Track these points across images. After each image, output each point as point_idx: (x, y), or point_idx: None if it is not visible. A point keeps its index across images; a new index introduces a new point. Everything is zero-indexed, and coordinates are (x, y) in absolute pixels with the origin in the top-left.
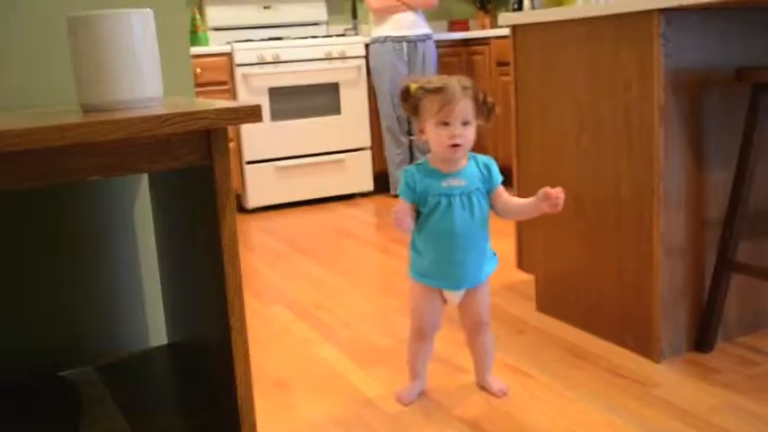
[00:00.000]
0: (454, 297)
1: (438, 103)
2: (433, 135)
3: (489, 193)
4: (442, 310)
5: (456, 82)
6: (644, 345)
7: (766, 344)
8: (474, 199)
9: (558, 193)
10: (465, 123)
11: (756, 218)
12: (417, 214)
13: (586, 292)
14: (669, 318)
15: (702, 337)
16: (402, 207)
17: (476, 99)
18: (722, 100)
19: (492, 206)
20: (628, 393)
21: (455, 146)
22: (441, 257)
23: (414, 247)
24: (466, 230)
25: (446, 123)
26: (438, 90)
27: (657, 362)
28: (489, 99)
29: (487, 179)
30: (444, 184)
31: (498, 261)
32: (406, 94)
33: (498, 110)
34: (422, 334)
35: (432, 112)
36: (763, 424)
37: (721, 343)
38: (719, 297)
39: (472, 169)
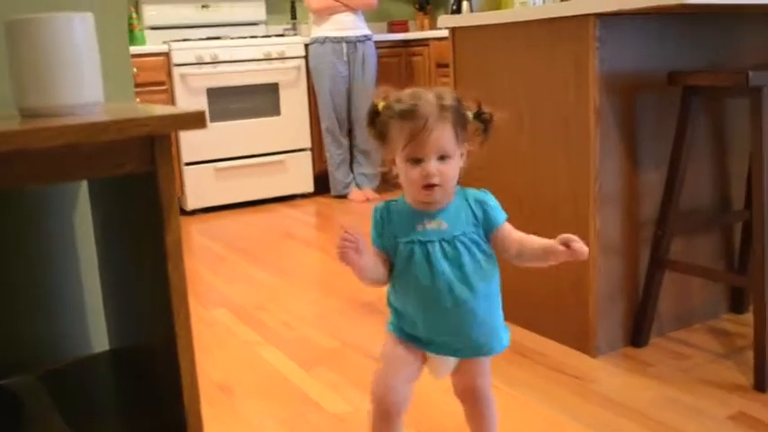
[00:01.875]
0: (440, 366)
1: (407, 131)
2: (402, 172)
3: (489, 235)
4: (415, 380)
5: (433, 99)
6: (582, 341)
7: (698, 338)
8: (460, 247)
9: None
10: (443, 158)
11: (688, 216)
12: (391, 264)
13: (526, 291)
14: (605, 314)
15: (637, 333)
16: (351, 235)
17: (460, 121)
18: (655, 103)
19: (500, 251)
20: (567, 389)
21: (429, 186)
22: (429, 321)
23: (390, 305)
24: (455, 288)
25: (417, 159)
26: (407, 114)
27: (595, 357)
28: (485, 110)
29: (482, 220)
30: (419, 227)
31: (510, 334)
32: (373, 116)
33: (500, 116)
34: (386, 415)
35: (400, 143)
36: (695, 415)
37: (655, 338)
38: (653, 293)
39: (458, 208)
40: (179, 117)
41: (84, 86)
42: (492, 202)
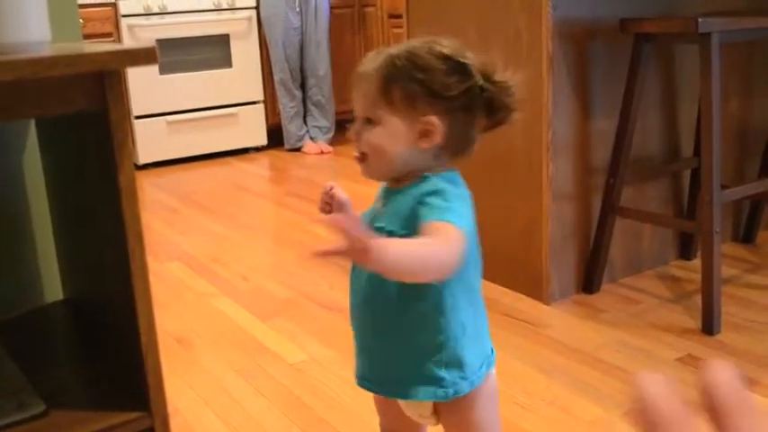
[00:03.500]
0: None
1: None
2: None
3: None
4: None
5: (393, 52)
6: (534, 288)
7: (647, 284)
8: None
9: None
10: (368, 121)
11: (639, 164)
12: None
13: (479, 239)
14: (558, 261)
15: (589, 279)
16: (327, 194)
17: (404, 82)
18: (608, 50)
19: None
20: (520, 334)
21: (357, 158)
22: (356, 336)
23: None
24: (376, 298)
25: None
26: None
27: (547, 304)
28: (489, 82)
29: (414, 221)
30: (376, 202)
31: (474, 382)
32: None
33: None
34: None
35: None
36: (645, 358)
37: (607, 284)
38: (605, 240)
39: (406, 198)
40: (130, 52)
41: (29, 24)
42: (437, 199)
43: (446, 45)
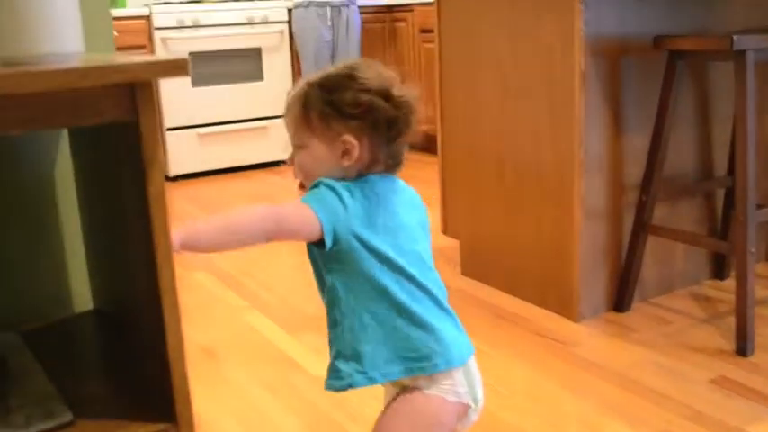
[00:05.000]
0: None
1: None
2: None
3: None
4: None
5: (296, 85)
6: (564, 305)
7: (680, 303)
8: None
9: None
10: (298, 147)
11: (672, 182)
12: None
13: (509, 256)
14: (588, 279)
15: (620, 298)
16: None
17: (311, 105)
18: (640, 67)
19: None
20: (549, 352)
21: (298, 185)
22: None
23: None
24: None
25: None
26: None
27: (577, 321)
28: (350, 103)
29: None
30: None
31: (349, 382)
32: None
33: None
34: None
35: None
36: (677, 379)
37: (638, 303)
38: (636, 259)
39: None
40: (162, 63)
41: (63, 36)
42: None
43: (355, 67)
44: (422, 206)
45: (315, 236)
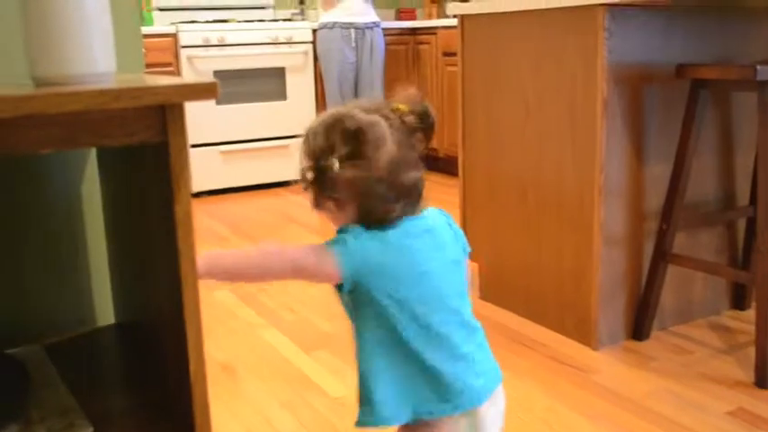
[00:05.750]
0: None
1: None
2: None
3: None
4: None
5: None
6: (583, 332)
7: (699, 333)
8: None
9: None
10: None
11: (692, 211)
12: None
13: (528, 281)
14: (607, 306)
15: (639, 326)
16: None
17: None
18: (662, 95)
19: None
20: (567, 379)
21: None
22: None
23: None
24: None
25: None
26: None
27: (596, 349)
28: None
29: None
30: None
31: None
32: None
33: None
34: None
35: None
36: (695, 409)
37: (657, 331)
38: (656, 287)
39: None
40: (191, 87)
41: (97, 56)
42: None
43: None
44: (453, 239)
45: (332, 281)
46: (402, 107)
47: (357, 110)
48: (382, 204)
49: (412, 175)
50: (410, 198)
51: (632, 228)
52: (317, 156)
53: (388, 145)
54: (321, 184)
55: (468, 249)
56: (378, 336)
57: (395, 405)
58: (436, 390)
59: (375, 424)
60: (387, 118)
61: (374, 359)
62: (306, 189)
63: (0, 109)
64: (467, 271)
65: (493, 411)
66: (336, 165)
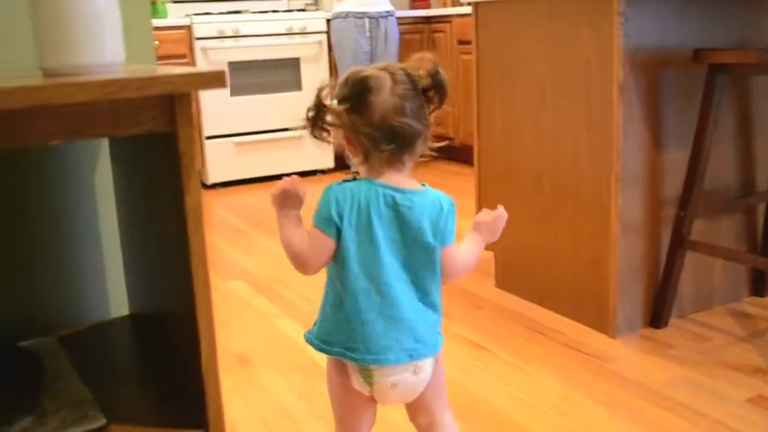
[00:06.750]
0: None
1: None
2: None
3: None
4: None
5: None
6: (600, 320)
7: (718, 320)
8: None
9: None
10: None
11: (711, 197)
12: None
13: (544, 269)
14: (625, 294)
15: (657, 314)
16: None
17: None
18: (679, 80)
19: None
20: (584, 367)
21: None
22: None
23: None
24: None
25: None
26: None
27: (613, 337)
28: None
29: None
30: None
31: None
32: None
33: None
34: None
35: None
36: (713, 397)
37: (675, 319)
38: (674, 274)
39: None
40: (200, 75)
41: (105, 47)
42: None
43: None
44: (427, 225)
45: (331, 252)
46: (412, 67)
47: (370, 67)
48: (372, 143)
49: (404, 121)
50: (402, 142)
51: (650, 215)
52: (320, 94)
53: (383, 93)
54: (316, 117)
55: (447, 241)
56: (330, 271)
57: (327, 340)
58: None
59: (317, 349)
60: (392, 74)
61: (327, 293)
62: (305, 125)
63: (7, 100)
64: (436, 250)
65: (388, 382)
66: (334, 103)
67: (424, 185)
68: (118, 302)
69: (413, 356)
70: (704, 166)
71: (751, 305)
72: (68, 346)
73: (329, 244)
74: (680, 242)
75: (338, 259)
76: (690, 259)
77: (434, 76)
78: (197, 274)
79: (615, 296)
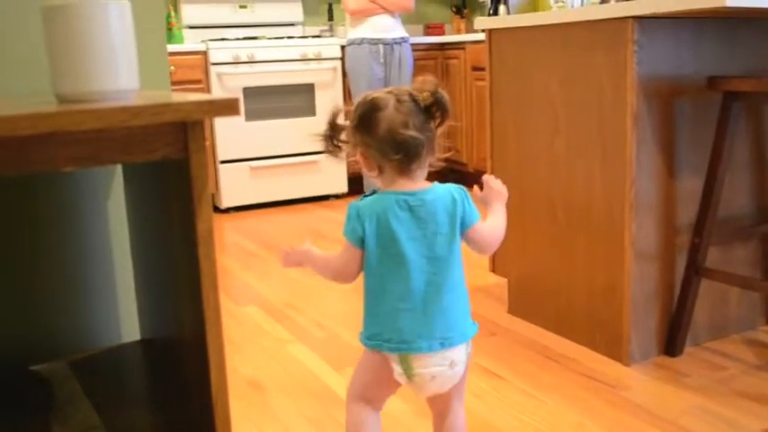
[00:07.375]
0: None
1: None
2: None
3: None
4: None
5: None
6: (614, 348)
7: (734, 349)
8: None
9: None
10: None
11: (726, 224)
12: None
13: (558, 296)
14: (639, 322)
15: (672, 342)
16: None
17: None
18: (694, 108)
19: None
20: (598, 395)
21: None
22: None
23: None
24: None
25: None
26: None
27: (627, 365)
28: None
29: None
30: None
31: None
32: None
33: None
34: None
35: None
36: (728, 427)
37: (690, 347)
38: (689, 302)
39: None
40: (212, 103)
41: (119, 73)
42: None
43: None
44: (445, 214)
45: (361, 260)
46: (415, 88)
47: (378, 91)
48: (381, 154)
49: (408, 134)
50: (408, 152)
51: (664, 242)
52: (334, 113)
53: (388, 110)
54: (330, 135)
55: (473, 220)
56: (364, 273)
57: (367, 332)
58: (382, 330)
59: (362, 343)
60: (397, 95)
61: (364, 294)
62: (320, 140)
63: (20, 126)
64: (455, 238)
65: (427, 374)
66: (345, 120)
67: (433, 183)
68: (129, 327)
69: (443, 344)
70: (719, 193)
71: (767, 333)
72: (79, 370)
73: (358, 252)
74: (694, 270)
75: (368, 263)
76: (704, 287)
77: (435, 94)
78: (207, 300)
79: (629, 324)
